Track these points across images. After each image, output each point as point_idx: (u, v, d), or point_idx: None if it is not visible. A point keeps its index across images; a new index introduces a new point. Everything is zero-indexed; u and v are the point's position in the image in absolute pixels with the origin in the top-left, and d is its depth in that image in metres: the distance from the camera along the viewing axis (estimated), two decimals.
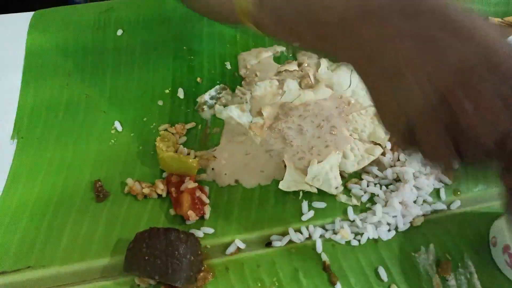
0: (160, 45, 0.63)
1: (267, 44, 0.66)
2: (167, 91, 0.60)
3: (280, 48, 0.65)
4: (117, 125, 0.57)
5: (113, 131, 0.57)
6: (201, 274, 0.45)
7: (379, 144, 0.56)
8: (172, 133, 0.55)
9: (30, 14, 0.65)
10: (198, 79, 0.61)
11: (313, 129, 0.56)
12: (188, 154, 0.54)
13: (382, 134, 0.56)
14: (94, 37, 0.64)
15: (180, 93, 0.60)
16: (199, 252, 0.46)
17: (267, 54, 0.64)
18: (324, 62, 0.63)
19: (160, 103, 0.59)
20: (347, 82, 0.61)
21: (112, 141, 0.56)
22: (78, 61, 0.62)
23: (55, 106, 0.58)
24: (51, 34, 0.64)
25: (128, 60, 0.63)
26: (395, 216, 0.50)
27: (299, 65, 0.62)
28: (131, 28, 0.65)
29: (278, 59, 0.63)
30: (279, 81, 0.61)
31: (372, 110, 0.59)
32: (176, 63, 0.62)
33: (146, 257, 0.43)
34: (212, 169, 0.54)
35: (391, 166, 0.54)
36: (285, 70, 0.61)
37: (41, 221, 0.50)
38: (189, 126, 0.57)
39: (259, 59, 0.63)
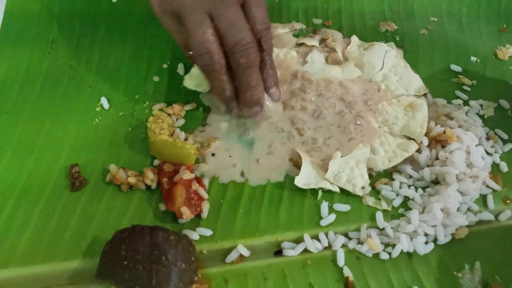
0: None
1: (284, 20, 0.62)
2: (165, 65, 0.57)
3: (299, 26, 0.61)
4: (104, 101, 0.53)
5: (98, 109, 0.52)
6: (194, 286, 0.40)
7: (414, 140, 0.50)
8: (168, 114, 0.51)
9: None
10: None
11: (333, 115, 0.51)
12: (186, 139, 0.50)
13: (417, 128, 0.51)
14: (85, 2, 0.61)
15: (181, 69, 0.56)
16: (193, 259, 0.41)
17: (283, 30, 0.59)
18: (354, 39, 0.57)
19: (156, 79, 0.55)
20: (379, 64, 0.55)
21: (97, 120, 0.51)
22: (63, 28, 0.59)
23: (33, 76, 0.54)
24: None
25: (122, 30, 0.59)
26: (435, 226, 0.45)
27: (322, 41, 0.57)
28: None
29: (295, 37, 0.60)
30: (298, 52, 0.56)
31: (405, 99, 0.53)
32: None
33: (125, 262, 0.38)
34: (213, 154, 0.49)
35: (428, 166, 0.49)
36: (304, 44, 0.57)
37: (0, 210, 0.44)
38: (188, 107, 0.53)
39: (274, 34, 0.58)
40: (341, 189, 0.47)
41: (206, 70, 0.46)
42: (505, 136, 0.52)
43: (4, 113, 0.50)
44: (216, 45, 0.44)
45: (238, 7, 0.44)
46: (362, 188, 0.47)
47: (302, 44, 0.56)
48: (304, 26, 0.60)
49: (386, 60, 0.55)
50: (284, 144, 0.49)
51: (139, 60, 0.56)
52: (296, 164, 0.48)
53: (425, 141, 0.49)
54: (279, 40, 0.57)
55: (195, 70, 0.47)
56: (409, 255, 0.44)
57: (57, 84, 0.53)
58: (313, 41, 0.56)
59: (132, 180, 0.46)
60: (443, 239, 0.45)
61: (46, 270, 0.41)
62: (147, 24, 0.59)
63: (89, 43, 0.57)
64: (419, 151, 0.49)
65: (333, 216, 0.46)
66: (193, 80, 0.48)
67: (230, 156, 0.49)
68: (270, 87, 0.49)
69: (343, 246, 0.44)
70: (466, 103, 0.55)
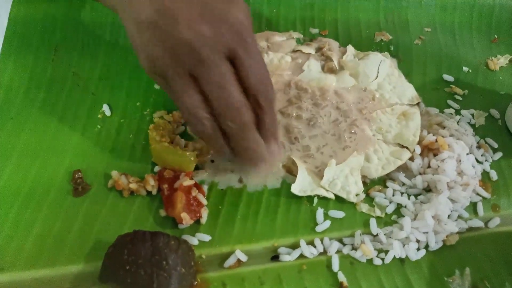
0: None
1: (282, 29, 0.62)
2: None
3: (296, 35, 0.61)
4: (106, 108, 0.52)
5: (100, 116, 0.52)
6: None
7: (407, 148, 0.51)
8: (169, 121, 0.51)
9: None
10: None
11: (328, 124, 0.51)
12: (186, 146, 0.50)
13: (410, 136, 0.51)
14: (88, 10, 0.61)
15: None
16: (192, 264, 0.41)
17: (280, 38, 0.59)
18: (350, 49, 0.58)
19: (157, 87, 0.55)
20: (374, 73, 0.55)
21: (99, 126, 0.51)
22: (67, 35, 0.58)
23: (37, 83, 0.54)
24: (40, 3, 0.60)
25: (125, 38, 0.59)
26: (426, 233, 0.46)
27: (318, 49, 0.57)
28: None
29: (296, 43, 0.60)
30: (293, 58, 0.56)
31: (398, 108, 0.53)
32: None
33: (127, 266, 0.38)
34: (212, 161, 0.49)
35: (420, 173, 0.50)
36: (299, 51, 0.57)
37: (5, 215, 0.44)
38: None
39: (270, 42, 0.58)
40: (336, 196, 0.47)
41: (199, 136, 0.43)
42: (495, 145, 0.53)
43: (9, 119, 0.50)
44: (204, 110, 0.39)
45: (224, 64, 0.38)
46: (356, 195, 0.47)
47: (298, 50, 0.57)
48: (301, 35, 0.61)
49: (381, 70, 0.55)
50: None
51: (140, 68, 0.54)
52: (289, 170, 0.48)
53: (418, 150, 0.50)
54: (276, 46, 0.56)
55: None
56: (401, 261, 0.44)
57: (61, 91, 0.53)
58: (309, 49, 0.57)
59: (133, 186, 0.46)
60: (434, 245, 0.45)
61: (49, 273, 0.41)
62: None
63: (92, 50, 0.56)
64: (411, 159, 0.50)
65: (328, 223, 0.46)
66: None
67: (229, 161, 0.48)
68: (270, 146, 0.43)
69: (338, 251, 0.44)
70: (457, 112, 0.55)
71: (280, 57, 0.55)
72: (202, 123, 0.40)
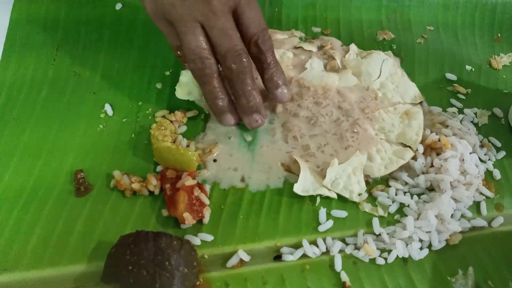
0: None
1: (284, 29, 0.62)
2: (167, 73, 0.56)
3: (298, 34, 0.61)
4: (108, 108, 0.52)
5: (102, 115, 0.52)
6: None
7: (409, 147, 0.50)
8: (171, 121, 0.51)
9: None
10: None
11: (329, 123, 0.51)
12: (188, 146, 0.50)
13: (412, 136, 0.51)
14: (89, 9, 0.61)
15: None
16: (195, 264, 0.41)
17: (282, 36, 0.59)
18: (353, 48, 0.57)
19: (159, 86, 0.55)
20: (377, 72, 0.55)
21: (101, 126, 0.51)
22: (69, 35, 0.58)
23: (39, 83, 0.54)
24: (41, 2, 0.60)
25: (126, 38, 0.59)
26: (429, 232, 0.46)
27: (321, 47, 0.57)
28: (132, 3, 0.61)
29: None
30: (295, 54, 0.56)
31: (401, 107, 0.53)
32: None
33: (130, 267, 0.38)
34: (214, 160, 0.49)
35: (423, 173, 0.50)
36: (301, 48, 0.56)
37: (8, 215, 0.44)
38: (190, 114, 0.53)
39: (273, 38, 0.57)
40: (338, 195, 0.47)
41: (198, 75, 0.46)
42: (499, 144, 0.53)
43: (11, 119, 0.50)
44: (208, 51, 0.44)
45: (229, 16, 0.44)
46: (359, 194, 0.47)
47: (299, 47, 0.56)
48: (303, 34, 0.60)
49: (383, 69, 0.55)
50: (280, 150, 0.49)
51: (142, 67, 0.56)
52: (288, 169, 0.48)
53: (421, 149, 0.50)
54: (277, 43, 0.56)
55: (183, 78, 0.48)
56: (404, 260, 0.44)
57: (63, 91, 0.53)
58: (311, 46, 0.56)
59: (135, 186, 0.46)
60: (437, 245, 0.45)
61: (52, 273, 0.41)
62: (150, 32, 0.59)
63: (94, 50, 0.57)
64: (414, 158, 0.49)
65: (330, 222, 0.46)
66: (183, 88, 0.49)
67: (231, 155, 0.49)
68: (278, 87, 0.48)
69: (340, 251, 0.44)
70: (460, 111, 0.55)
71: (282, 53, 0.55)
72: (202, 61, 0.44)
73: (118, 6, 0.61)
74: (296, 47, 0.57)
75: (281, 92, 0.48)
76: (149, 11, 0.46)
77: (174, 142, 0.49)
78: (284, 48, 0.56)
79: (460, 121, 0.54)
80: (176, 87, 0.49)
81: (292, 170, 0.48)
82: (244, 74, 0.45)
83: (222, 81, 0.47)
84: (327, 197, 0.47)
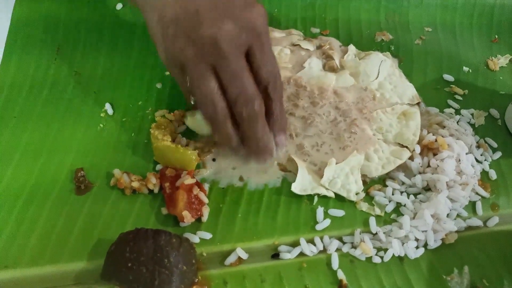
0: None
1: (283, 29, 0.62)
2: (167, 73, 0.56)
3: (297, 32, 0.61)
4: (108, 107, 0.53)
5: (102, 114, 0.52)
6: (194, 287, 0.41)
7: (407, 147, 0.51)
8: (170, 120, 0.51)
9: None
10: None
11: (326, 123, 0.51)
12: (187, 145, 0.50)
13: (410, 136, 0.51)
14: (90, 9, 0.61)
15: None
16: (193, 261, 0.41)
17: (279, 35, 0.59)
18: (351, 48, 0.58)
19: (159, 86, 0.55)
20: (375, 73, 0.55)
21: (101, 125, 0.52)
22: (69, 35, 0.58)
23: (39, 82, 0.54)
24: (42, 2, 0.60)
25: (127, 38, 0.59)
26: (425, 231, 0.46)
27: (319, 47, 0.57)
28: None
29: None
30: (291, 51, 0.55)
31: (399, 108, 0.53)
32: None
33: (129, 264, 0.38)
34: (213, 159, 0.50)
35: (420, 173, 0.50)
36: (299, 45, 0.56)
37: (9, 213, 0.45)
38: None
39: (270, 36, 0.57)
40: (336, 194, 0.47)
41: (210, 120, 0.44)
42: (495, 145, 0.53)
43: (12, 118, 0.50)
44: (219, 96, 0.42)
45: (241, 58, 0.42)
46: (356, 194, 0.47)
47: (297, 45, 0.56)
48: (302, 34, 0.60)
49: (382, 70, 0.55)
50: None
51: (143, 67, 0.56)
52: (284, 169, 0.49)
53: (418, 149, 0.50)
54: (275, 40, 0.56)
55: (199, 115, 0.46)
56: (400, 259, 0.44)
57: (63, 90, 0.53)
58: (309, 45, 0.56)
59: (135, 184, 0.46)
60: (433, 244, 0.45)
61: (52, 271, 0.41)
62: None
63: (94, 50, 0.57)
64: (411, 158, 0.50)
65: (328, 221, 0.46)
66: (196, 123, 0.47)
67: (232, 154, 0.48)
68: (276, 136, 0.46)
69: (338, 250, 0.44)
70: (457, 112, 0.56)
71: (279, 49, 0.55)
72: (214, 106, 0.42)
73: (119, 6, 0.61)
74: (294, 45, 0.57)
75: (278, 140, 0.47)
76: (163, 59, 0.44)
77: (173, 141, 0.49)
78: (282, 45, 0.56)
79: (457, 122, 0.54)
80: (187, 115, 0.48)
81: (287, 169, 0.49)
82: (255, 119, 0.43)
83: (234, 124, 0.44)
84: (325, 196, 0.47)
